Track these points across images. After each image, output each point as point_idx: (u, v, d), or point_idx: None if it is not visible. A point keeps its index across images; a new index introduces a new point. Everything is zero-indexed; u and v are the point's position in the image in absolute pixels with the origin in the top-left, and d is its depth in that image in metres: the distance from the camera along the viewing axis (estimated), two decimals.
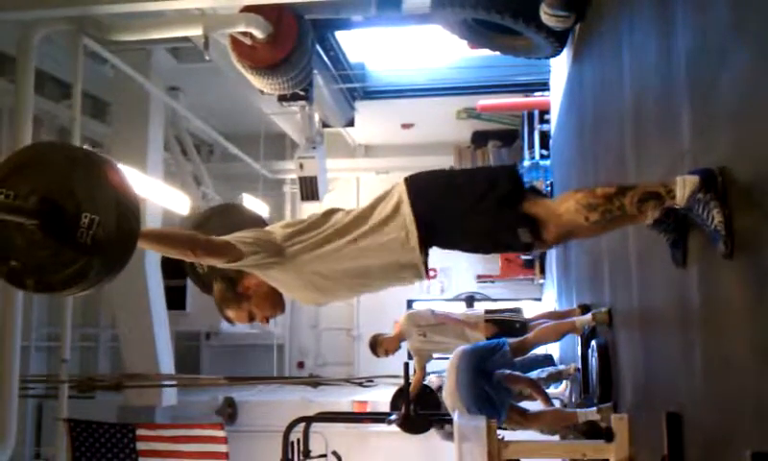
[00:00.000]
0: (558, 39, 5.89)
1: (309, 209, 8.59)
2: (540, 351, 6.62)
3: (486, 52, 8.04)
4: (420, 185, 2.64)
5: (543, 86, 9.86)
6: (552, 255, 9.66)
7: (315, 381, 9.23)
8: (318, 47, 8.36)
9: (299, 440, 6.25)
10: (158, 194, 8.99)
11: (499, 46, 6.74)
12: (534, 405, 5.36)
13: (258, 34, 6.62)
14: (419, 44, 10.54)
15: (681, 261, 2.52)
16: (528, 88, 10.59)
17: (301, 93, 7.91)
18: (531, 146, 10.37)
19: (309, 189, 9.81)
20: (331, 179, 11.51)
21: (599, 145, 4.70)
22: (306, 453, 6.33)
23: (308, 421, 6.46)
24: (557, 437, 5.39)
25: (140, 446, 7.56)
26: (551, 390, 6.71)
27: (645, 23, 3.17)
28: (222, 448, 7.63)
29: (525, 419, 4.87)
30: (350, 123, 11.56)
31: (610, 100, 4.17)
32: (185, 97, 10.52)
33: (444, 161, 12.65)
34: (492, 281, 12.74)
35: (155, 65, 9.25)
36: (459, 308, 7.89)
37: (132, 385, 8.90)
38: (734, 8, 2.02)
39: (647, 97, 3.14)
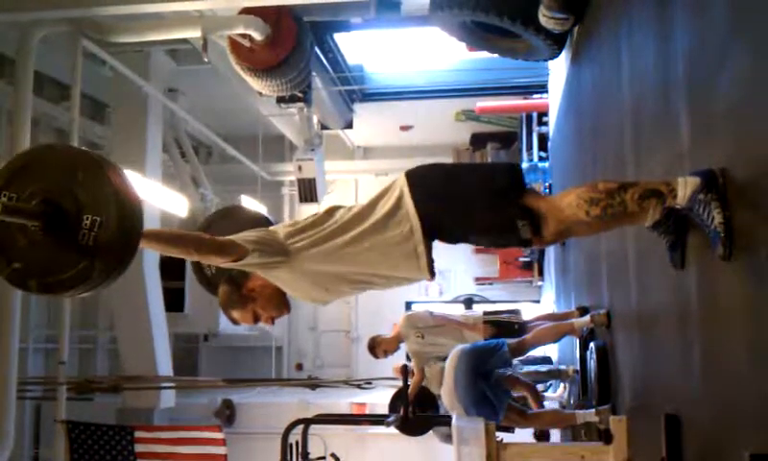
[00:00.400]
0: (556, 42, 5.90)
1: (307, 212, 8.59)
2: (538, 352, 6.63)
3: (484, 54, 8.07)
4: (420, 178, 2.64)
5: (542, 89, 9.87)
6: (550, 258, 9.67)
7: (313, 383, 9.22)
8: (316, 49, 8.37)
9: (297, 442, 6.23)
10: (157, 196, 8.99)
11: (498, 48, 6.75)
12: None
13: (257, 36, 6.62)
14: (417, 46, 10.55)
15: (679, 263, 2.52)
16: (527, 91, 10.60)
17: (300, 95, 7.92)
18: (529, 148, 10.38)
19: (308, 191, 9.81)
20: (330, 181, 11.52)
21: (598, 147, 4.71)
22: (305, 455, 6.31)
23: (307, 423, 6.45)
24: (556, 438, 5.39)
25: (138, 448, 7.54)
26: (549, 393, 6.73)
27: (644, 25, 3.18)
28: (220, 450, 7.62)
29: (524, 419, 4.88)
30: (349, 125, 11.56)
31: (608, 102, 4.17)
32: (184, 99, 10.53)
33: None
34: (491, 283, 12.76)
35: (153, 67, 9.26)
36: (457, 310, 7.90)
37: (131, 387, 8.90)
38: (733, 9, 2.02)
39: (646, 99, 3.14)
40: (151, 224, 8.95)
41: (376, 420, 7.07)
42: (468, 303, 10.35)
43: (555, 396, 6.52)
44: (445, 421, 5.81)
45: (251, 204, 10.76)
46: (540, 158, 10.10)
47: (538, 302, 11.90)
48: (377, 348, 6.21)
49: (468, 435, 4.42)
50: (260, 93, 7.62)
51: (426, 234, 2.59)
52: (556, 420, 5.12)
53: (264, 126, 11.06)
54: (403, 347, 6.26)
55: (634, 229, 3.17)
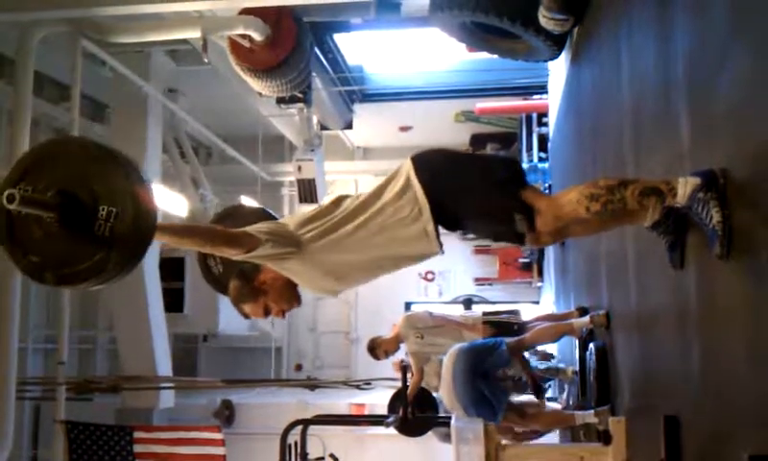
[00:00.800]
0: (556, 42, 5.90)
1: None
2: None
3: (484, 55, 8.07)
4: (426, 162, 2.64)
5: (542, 89, 9.87)
6: (550, 258, 9.67)
7: (312, 384, 9.22)
8: (316, 50, 8.37)
9: (296, 443, 6.24)
10: (156, 196, 8.98)
11: (498, 49, 6.75)
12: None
13: (257, 36, 6.62)
14: (417, 47, 10.55)
15: (678, 264, 2.52)
16: (526, 91, 10.61)
17: (300, 96, 7.93)
18: (529, 149, 10.39)
19: (307, 192, 9.82)
20: (329, 181, 11.52)
21: (598, 148, 4.71)
22: (304, 456, 6.32)
23: (306, 423, 6.45)
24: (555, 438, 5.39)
25: (137, 448, 7.54)
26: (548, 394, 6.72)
27: (644, 25, 3.18)
28: (219, 450, 7.62)
29: (523, 419, 4.87)
30: (349, 125, 11.57)
31: (608, 103, 4.17)
32: (184, 99, 10.53)
33: None
34: (490, 284, 12.76)
35: (153, 67, 9.26)
36: (457, 311, 7.90)
37: (130, 387, 8.89)
38: (733, 9, 2.02)
39: (646, 99, 3.14)
40: None
41: (375, 420, 7.08)
42: (468, 303, 10.37)
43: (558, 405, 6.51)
44: (444, 422, 5.81)
45: (250, 204, 10.76)
46: (540, 159, 10.10)
47: (537, 302, 11.91)
48: (378, 349, 6.21)
49: (466, 436, 4.43)
50: (260, 94, 7.62)
51: (434, 215, 2.59)
52: (555, 420, 5.11)
53: (264, 126, 11.06)
54: (403, 347, 6.26)
55: (633, 229, 3.17)
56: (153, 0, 6.26)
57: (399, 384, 6.28)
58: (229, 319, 11.74)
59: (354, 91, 10.89)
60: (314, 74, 8.31)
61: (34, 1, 6.53)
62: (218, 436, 7.71)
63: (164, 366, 9.81)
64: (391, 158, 12.86)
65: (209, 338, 12.99)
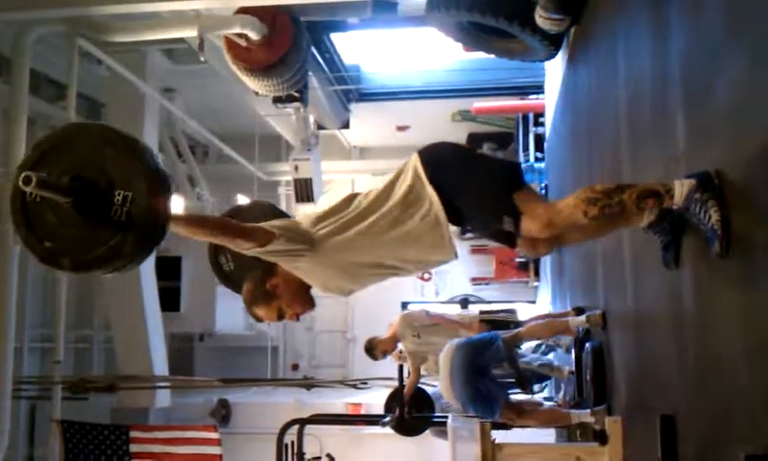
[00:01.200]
0: (553, 43, 5.91)
1: (304, 211, 8.60)
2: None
3: (481, 55, 8.07)
4: (432, 156, 2.64)
5: (538, 89, 9.88)
6: (546, 258, 9.67)
7: (309, 383, 9.22)
8: (313, 49, 8.37)
9: (293, 442, 6.24)
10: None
11: (494, 49, 6.75)
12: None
13: (253, 35, 6.61)
14: (414, 47, 10.56)
15: (673, 264, 2.53)
16: (523, 91, 10.62)
17: (296, 95, 7.92)
18: (526, 149, 10.40)
19: (304, 191, 9.82)
20: (326, 180, 11.52)
21: (594, 148, 4.71)
22: (300, 456, 6.32)
23: (302, 423, 6.45)
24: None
25: (133, 447, 7.53)
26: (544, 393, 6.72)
27: (640, 27, 3.18)
28: (215, 450, 7.61)
29: (519, 416, 4.87)
30: (345, 125, 11.58)
31: (604, 103, 4.18)
32: (180, 98, 10.51)
33: None
34: (487, 284, 12.76)
35: (149, 66, 9.24)
36: (454, 311, 7.89)
37: (126, 387, 8.88)
38: (728, 12, 2.03)
39: (642, 100, 3.14)
40: None
41: (372, 420, 7.07)
42: (464, 303, 10.34)
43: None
44: (441, 421, 5.82)
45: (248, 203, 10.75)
46: (537, 159, 10.12)
47: (533, 302, 11.91)
48: (375, 349, 6.20)
49: (462, 435, 4.43)
50: (257, 93, 7.61)
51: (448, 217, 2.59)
52: (551, 418, 5.11)
53: (261, 126, 11.05)
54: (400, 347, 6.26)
55: (629, 230, 3.17)
56: None
57: (396, 384, 6.28)
58: (226, 318, 11.74)
59: (351, 91, 10.90)
60: (311, 73, 8.31)
61: (30, 0, 6.52)
62: (214, 435, 7.70)
63: (160, 365, 9.80)
64: (388, 158, 12.86)
65: (206, 337, 12.98)
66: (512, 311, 6.38)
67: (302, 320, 13.10)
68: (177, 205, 9.59)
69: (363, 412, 9.64)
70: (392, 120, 12.11)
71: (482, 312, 6.37)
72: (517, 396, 5.69)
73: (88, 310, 12.13)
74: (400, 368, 6.13)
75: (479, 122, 11.93)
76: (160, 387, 9.62)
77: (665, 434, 2.70)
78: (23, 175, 1.96)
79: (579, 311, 5.22)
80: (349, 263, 2.65)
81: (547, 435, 6.52)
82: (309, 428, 6.69)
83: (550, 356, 6.40)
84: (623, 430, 3.75)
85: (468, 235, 10.75)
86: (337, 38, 9.69)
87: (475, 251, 12.51)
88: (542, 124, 9.85)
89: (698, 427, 2.42)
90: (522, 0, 5.40)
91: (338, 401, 10.07)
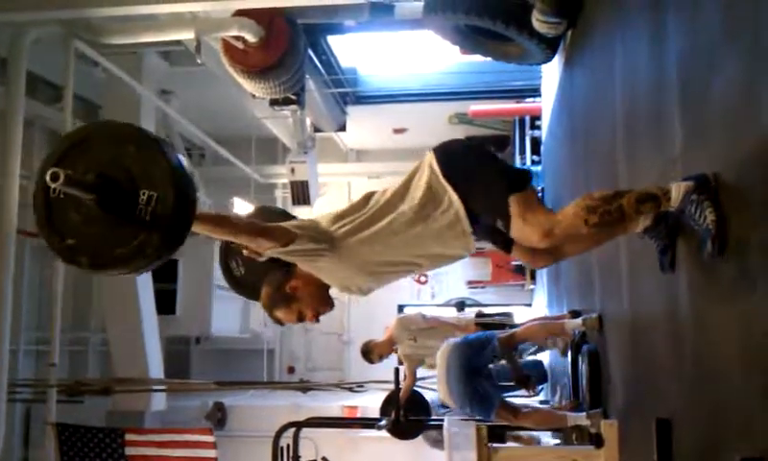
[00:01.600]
0: (549, 46, 5.91)
1: (300, 214, 8.56)
2: (529, 358, 6.62)
3: (478, 58, 8.07)
4: (446, 154, 2.66)
5: (535, 92, 9.89)
6: None
7: (305, 386, 9.20)
8: (310, 52, 8.36)
9: (288, 445, 6.22)
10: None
11: (491, 52, 6.75)
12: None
13: (250, 38, 6.61)
14: (411, 49, 10.57)
15: (669, 268, 2.53)
16: (520, 94, 10.62)
17: (293, 98, 7.91)
18: (522, 152, 10.40)
19: (301, 194, 9.82)
20: (323, 183, 11.51)
21: (590, 151, 4.72)
22: (296, 459, 6.30)
23: (298, 426, 6.43)
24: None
25: (129, 451, 7.51)
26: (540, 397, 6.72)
27: (636, 30, 3.19)
28: (211, 453, 7.59)
29: (515, 417, 4.87)
30: (342, 128, 11.57)
31: (601, 106, 4.18)
32: (177, 100, 10.50)
33: None
34: (483, 287, 12.76)
35: (146, 68, 9.23)
36: (450, 313, 7.89)
37: (122, 390, 8.86)
38: (725, 15, 2.03)
39: (638, 103, 3.15)
40: None
41: (368, 423, 7.06)
42: (461, 306, 10.34)
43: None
44: (437, 425, 5.81)
45: (243, 206, 10.75)
46: (533, 162, 10.11)
47: (529, 305, 11.91)
48: (371, 353, 6.20)
49: (459, 439, 4.42)
50: (253, 95, 7.60)
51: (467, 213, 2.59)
52: (547, 420, 5.11)
53: (257, 128, 11.04)
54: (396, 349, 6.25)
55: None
56: (146, 1, 6.24)
57: (392, 387, 6.28)
58: (222, 321, 11.71)
59: (348, 93, 10.90)
60: (307, 76, 8.31)
61: (27, 2, 6.51)
62: (210, 439, 7.68)
63: (156, 368, 9.77)
64: (384, 161, 12.87)
65: (201, 340, 12.94)
66: (508, 314, 6.38)
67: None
68: None
69: (359, 415, 9.63)
70: (389, 123, 12.11)
71: (478, 315, 6.36)
72: (514, 398, 5.69)
73: (84, 313, 12.09)
74: (396, 371, 6.13)
75: (476, 125, 11.92)
76: (156, 390, 9.59)
77: (661, 438, 2.70)
78: (51, 171, 1.93)
79: (575, 314, 5.22)
80: (369, 261, 2.64)
81: (544, 438, 6.52)
82: (305, 431, 6.67)
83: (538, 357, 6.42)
84: (619, 434, 3.75)
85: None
86: (334, 41, 9.69)
87: (472, 254, 12.49)
88: (539, 127, 9.85)
89: (694, 431, 2.42)
90: (519, 3, 5.40)
91: (334, 405, 10.05)
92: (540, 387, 6.89)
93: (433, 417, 6.25)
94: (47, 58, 8.18)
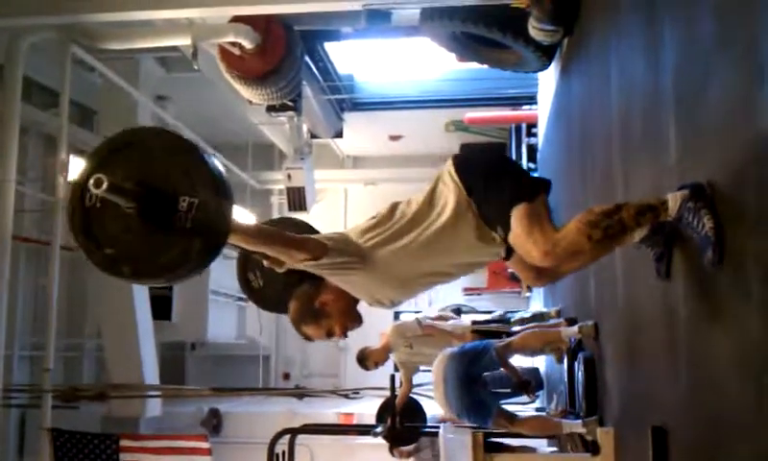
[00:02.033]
0: (546, 53, 5.93)
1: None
2: (526, 363, 6.63)
3: (474, 65, 8.11)
4: (463, 159, 2.63)
5: (531, 100, 9.91)
6: None
7: (301, 393, 9.19)
8: (307, 58, 8.38)
9: (284, 452, 6.20)
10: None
11: (487, 59, 6.78)
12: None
13: (247, 44, 6.62)
14: (407, 57, 10.58)
15: (665, 274, 2.53)
16: (516, 102, 10.65)
17: (290, 104, 7.93)
18: (518, 159, 10.41)
19: (297, 200, 9.82)
20: (319, 189, 11.51)
21: (587, 159, 4.72)
22: None
23: (294, 432, 6.42)
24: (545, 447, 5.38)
25: (124, 456, 7.49)
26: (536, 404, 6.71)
27: (632, 38, 3.20)
28: (206, 459, 7.58)
29: (511, 424, 4.87)
30: (339, 134, 11.58)
31: (597, 114, 4.19)
32: (173, 106, 10.51)
33: (432, 173, 12.65)
34: (479, 294, 12.75)
35: (143, 74, 9.24)
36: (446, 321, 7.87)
37: (117, 396, 8.84)
38: (719, 23, 2.04)
39: (634, 111, 3.16)
40: None
41: (364, 430, 7.05)
42: (457, 313, 10.33)
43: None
44: (432, 432, 5.80)
45: (239, 213, 10.74)
46: (529, 169, 10.12)
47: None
48: (367, 360, 6.19)
49: (455, 447, 4.43)
50: (250, 102, 7.61)
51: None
52: (543, 427, 5.11)
53: (254, 134, 11.05)
54: (392, 357, 6.24)
55: None
56: (143, 7, 6.24)
57: (388, 393, 6.27)
58: (217, 327, 11.70)
59: (344, 100, 10.91)
60: (304, 82, 8.31)
61: (23, 7, 6.50)
62: (205, 445, 7.67)
63: (151, 374, 9.75)
64: (380, 167, 12.89)
65: (197, 346, 12.93)
66: (504, 317, 6.37)
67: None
68: None
69: (355, 422, 9.61)
70: (385, 130, 12.13)
71: (474, 322, 6.36)
72: (510, 405, 5.69)
73: (79, 318, 12.06)
74: (392, 378, 6.11)
75: (472, 132, 11.94)
76: (151, 396, 9.57)
77: (657, 445, 2.70)
78: (95, 177, 1.92)
79: (571, 322, 5.23)
80: (401, 272, 2.60)
81: (539, 444, 6.51)
82: (301, 438, 6.66)
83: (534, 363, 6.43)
84: (615, 441, 3.75)
85: None
86: (331, 48, 9.71)
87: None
88: (535, 134, 9.87)
89: (689, 438, 2.42)
90: (515, 11, 5.42)
91: (330, 411, 10.04)
92: (537, 394, 6.89)
93: (429, 425, 6.24)
94: (43, 63, 8.18)
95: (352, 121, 11.36)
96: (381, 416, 6.44)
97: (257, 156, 11.91)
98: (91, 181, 1.92)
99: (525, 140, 10.32)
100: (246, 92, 7.17)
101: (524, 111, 10.56)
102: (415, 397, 6.41)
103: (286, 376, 13.18)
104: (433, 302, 12.94)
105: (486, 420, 4.66)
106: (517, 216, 2.44)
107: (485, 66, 7.21)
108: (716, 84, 2.05)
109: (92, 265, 2.09)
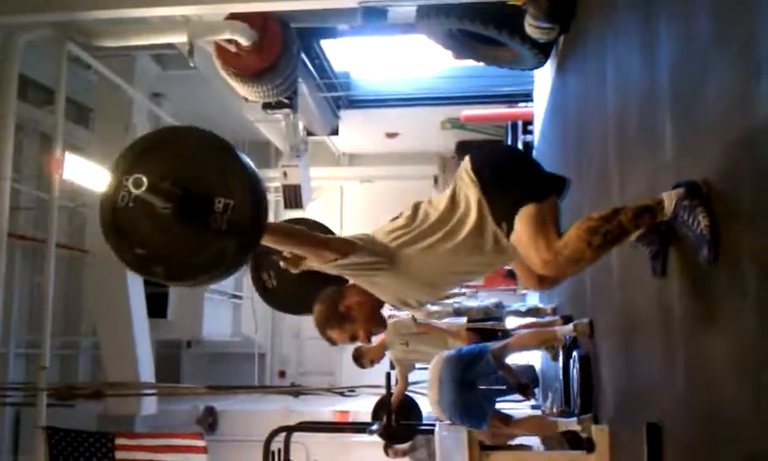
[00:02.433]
0: (542, 51, 5.93)
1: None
2: (521, 360, 6.63)
3: (470, 62, 8.10)
4: (479, 158, 2.62)
5: (527, 97, 9.91)
6: None
7: (296, 391, 9.18)
8: (303, 56, 8.36)
9: (279, 450, 6.20)
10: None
11: (484, 57, 6.78)
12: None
13: (243, 41, 6.60)
14: (404, 54, 10.58)
15: (661, 272, 2.53)
16: (512, 99, 10.65)
17: (286, 101, 7.91)
18: None
19: (293, 197, 9.81)
20: (315, 187, 11.51)
21: (582, 156, 4.73)
22: None
23: (289, 430, 6.42)
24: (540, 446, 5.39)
25: (119, 455, 7.48)
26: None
27: (629, 36, 3.20)
28: (201, 457, 7.57)
29: (506, 425, 4.87)
30: (335, 131, 11.58)
31: (593, 111, 4.19)
32: (169, 104, 10.50)
33: (428, 171, 12.68)
34: (476, 291, 12.75)
35: (138, 71, 9.22)
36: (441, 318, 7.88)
37: (112, 394, 8.82)
38: (717, 21, 2.04)
39: (630, 109, 3.16)
40: None
41: (359, 428, 7.05)
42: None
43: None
44: (428, 429, 5.81)
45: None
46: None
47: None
48: (363, 358, 6.19)
49: (450, 445, 4.43)
50: (246, 99, 7.59)
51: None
52: (538, 426, 5.12)
53: (250, 132, 11.04)
54: (387, 355, 6.24)
55: None
56: (139, 4, 6.22)
57: (384, 391, 6.27)
58: (213, 325, 11.68)
59: (341, 97, 10.91)
60: (300, 80, 8.30)
61: (19, 4, 6.48)
62: (200, 443, 7.66)
63: (147, 372, 9.73)
64: (377, 165, 12.88)
65: (193, 344, 12.92)
66: (499, 305, 6.37)
67: (289, 327, 13.14)
68: None
69: (350, 420, 9.61)
70: (381, 127, 12.13)
71: (470, 320, 6.35)
72: (505, 402, 5.69)
73: (75, 316, 12.04)
74: (388, 376, 6.12)
75: (468, 130, 11.95)
76: (147, 394, 9.55)
77: (652, 442, 2.70)
78: (134, 177, 1.91)
79: (567, 320, 5.23)
80: (429, 272, 2.59)
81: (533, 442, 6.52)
82: (296, 436, 6.66)
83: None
84: (610, 438, 3.76)
85: None
86: (327, 45, 9.70)
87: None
88: (531, 132, 9.88)
89: (684, 436, 2.43)
90: (512, 9, 5.42)
91: (325, 409, 10.04)
92: (534, 394, 6.89)
93: (424, 422, 6.25)
94: (38, 60, 8.16)
95: (348, 118, 11.36)
96: (377, 414, 6.45)
97: (253, 153, 11.78)
98: (130, 181, 1.91)
99: (521, 137, 10.32)
100: (242, 89, 7.16)
101: (520, 109, 10.55)
102: (410, 395, 6.42)
103: (282, 374, 13.18)
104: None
105: (481, 421, 4.66)
106: (523, 217, 2.41)
107: (481, 64, 7.21)
108: (712, 81, 2.06)
109: (123, 265, 2.07)
